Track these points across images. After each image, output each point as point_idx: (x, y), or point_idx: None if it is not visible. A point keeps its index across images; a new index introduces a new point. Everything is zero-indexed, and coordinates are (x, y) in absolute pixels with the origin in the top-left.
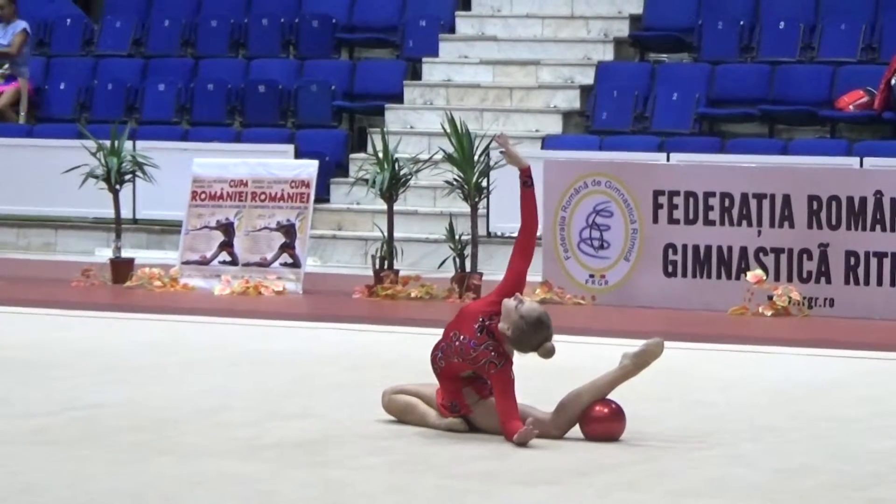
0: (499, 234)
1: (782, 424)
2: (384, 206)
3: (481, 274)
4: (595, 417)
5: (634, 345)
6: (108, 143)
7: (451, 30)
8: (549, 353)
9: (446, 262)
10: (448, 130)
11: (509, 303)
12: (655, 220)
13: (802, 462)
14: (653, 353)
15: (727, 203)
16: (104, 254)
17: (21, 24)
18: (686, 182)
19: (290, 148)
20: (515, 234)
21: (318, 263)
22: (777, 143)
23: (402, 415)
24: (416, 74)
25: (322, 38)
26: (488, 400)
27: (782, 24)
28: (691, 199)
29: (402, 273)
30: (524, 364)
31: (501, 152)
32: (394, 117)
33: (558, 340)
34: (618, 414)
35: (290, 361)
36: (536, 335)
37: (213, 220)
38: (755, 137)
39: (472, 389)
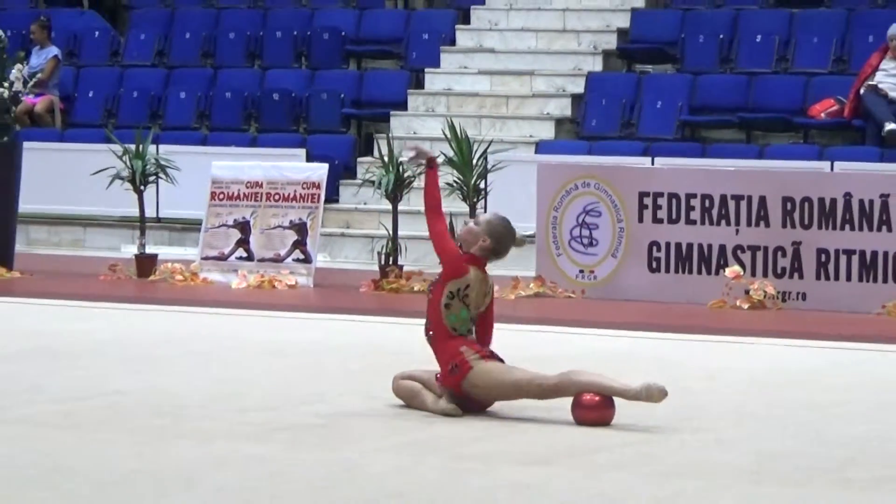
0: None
1: (760, 410)
2: (389, 206)
3: None
4: (588, 405)
5: (621, 335)
6: (133, 147)
7: (452, 42)
8: (523, 240)
9: None
10: (448, 136)
11: (464, 230)
12: (641, 219)
13: (780, 446)
14: (653, 397)
15: (707, 204)
16: (130, 250)
17: (53, 51)
18: (669, 184)
19: (302, 152)
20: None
21: (327, 259)
22: (754, 149)
23: (407, 399)
24: (419, 84)
25: (332, 49)
26: (487, 361)
27: (759, 38)
28: (674, 200)
29: (405, 268)
30: (514, 356)
31: (412, 158)
32: (398, 123)
33: (550, 331)
34: (609, 401)
35: (302, 351)
36: (508, 229)
37: (230, 219)
38: (734, 143)
39: (469, 348)
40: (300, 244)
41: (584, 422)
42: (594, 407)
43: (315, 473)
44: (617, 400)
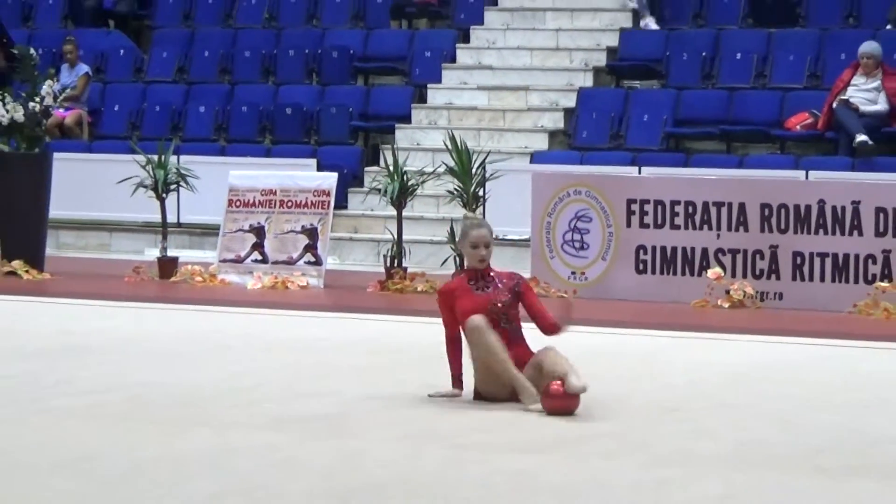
0: (493, 237)
1: (739, 402)
2: (394, 213)
3: None
4: (554, 394)
5: (610, 333)
6: (155, 157)
7: (453, 60)
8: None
9: (448, 261)
10: (450, 147)
11: (488, 255)
12: (629, 224)
13: (757, 435)
14: (577, 390)
15: (690, 210)
16: (152, 253)
17: (84, 68)
18: (655, 192)
19: (313, 162)
20: (508, 237)
21: (337, 262)
22: (734, 159)
23: (483, 349)
24: (422, 98)
25: (341, 67)
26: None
27: (739, 56)
28: (660, 207)
29: (409, 270)
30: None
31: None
32: (403, 135)
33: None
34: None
35: (313, 347)
36: (473, 223)
37: (246, 224)
38: (715, 153)
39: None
40: (311, 248)
41: (551, 411)
42: (560, 396)
43: (323, 460)
44: (603, 391)
